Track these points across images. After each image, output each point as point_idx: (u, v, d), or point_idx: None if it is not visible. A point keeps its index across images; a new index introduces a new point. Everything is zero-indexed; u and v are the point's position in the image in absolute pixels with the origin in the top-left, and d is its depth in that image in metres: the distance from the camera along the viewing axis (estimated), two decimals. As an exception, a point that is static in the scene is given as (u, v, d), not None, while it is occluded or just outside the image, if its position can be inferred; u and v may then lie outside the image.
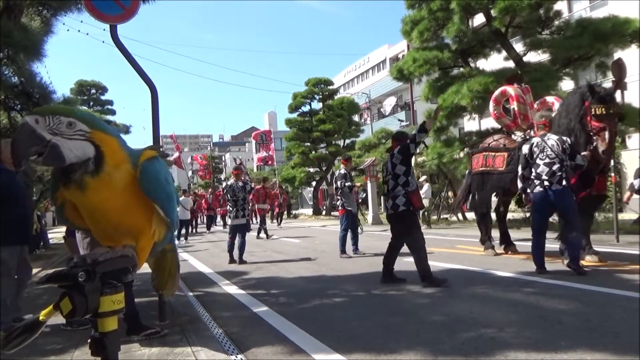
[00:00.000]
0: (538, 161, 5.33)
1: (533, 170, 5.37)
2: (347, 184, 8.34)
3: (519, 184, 5.70)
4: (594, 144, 5.52)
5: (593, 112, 5.50)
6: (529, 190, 5.50)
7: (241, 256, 8.19)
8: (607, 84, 5.98)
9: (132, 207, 2.05)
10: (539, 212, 5.47)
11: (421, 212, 12.97)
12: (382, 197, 27.32)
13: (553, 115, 5.90)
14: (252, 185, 8.79)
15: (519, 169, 5.69)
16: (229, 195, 8.41)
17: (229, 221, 8.58)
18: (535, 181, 5.35)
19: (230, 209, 8.43)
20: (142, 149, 2.14)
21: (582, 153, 5.46)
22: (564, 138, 5.36)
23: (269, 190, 16.23)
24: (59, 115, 1.82)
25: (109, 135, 1.97)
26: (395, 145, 5.40)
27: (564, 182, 5.20)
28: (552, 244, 6.18)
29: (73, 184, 1.87)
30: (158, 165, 2.12)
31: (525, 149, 5.58)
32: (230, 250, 8.23)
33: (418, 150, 5.25)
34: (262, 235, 13.57)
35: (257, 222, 14.90)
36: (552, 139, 5.34)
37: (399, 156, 5.21)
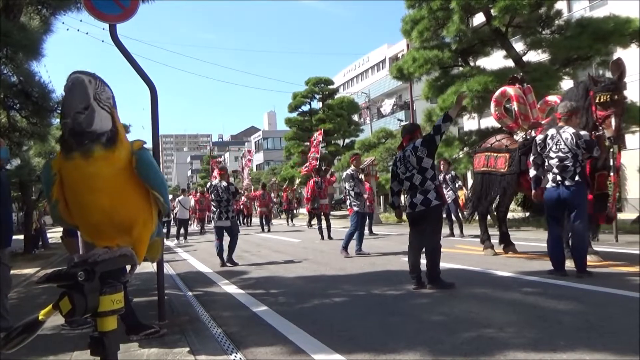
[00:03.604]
0: (551, 154, 5.14)
1: (546, 162, 5.21)
2: (356, 190, 8.27)
3: (531, 172, 5.47)
4: (600, 132, 5.41)
5: (597, 100, 5.43)
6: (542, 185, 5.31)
7: (230, 256, 7.88)
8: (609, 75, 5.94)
9: (127, 193, 2.04)
10: (549, 208, 5.25)
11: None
12: (382, 196, 26.85)
13: (575, 105, 5.51)
14: (236, 188, 8.56)
15: (531, 156, 5.51)
16: (213, 195, 8.15)
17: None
18: (547, 176, 5.18)
19: (215, 209, 8.17)
20: (131, 141, 2.17)
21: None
22: (582, 132, 5.10)
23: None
24: (104, 84, 1.92)
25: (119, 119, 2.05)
26: (408, 139, 5.11)
27: (577, 178, 5.00)
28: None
29: (80, 151, 1.87)
30: (149, 153, 2.16)
31: (538, 139, 5.37)
32: (220, 253, 7.93)
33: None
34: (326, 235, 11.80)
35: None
36: (567, 132, 5.10)
37: (424, 149, 4.90)
